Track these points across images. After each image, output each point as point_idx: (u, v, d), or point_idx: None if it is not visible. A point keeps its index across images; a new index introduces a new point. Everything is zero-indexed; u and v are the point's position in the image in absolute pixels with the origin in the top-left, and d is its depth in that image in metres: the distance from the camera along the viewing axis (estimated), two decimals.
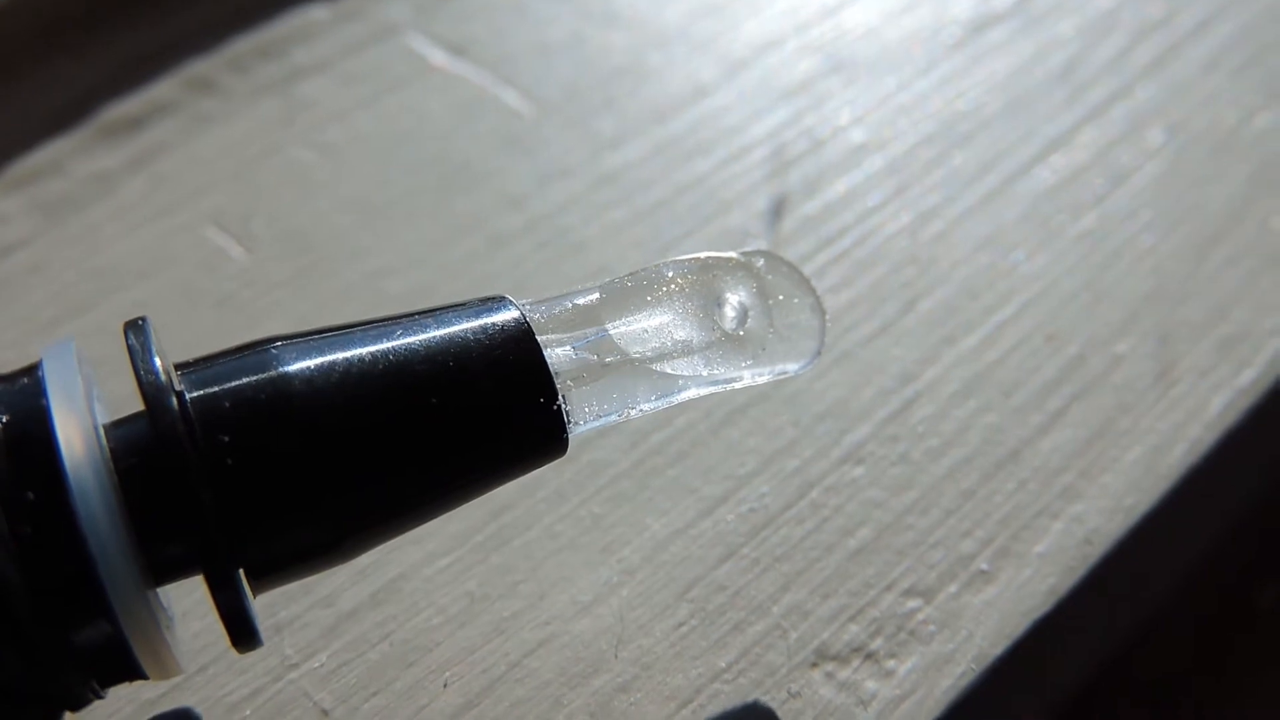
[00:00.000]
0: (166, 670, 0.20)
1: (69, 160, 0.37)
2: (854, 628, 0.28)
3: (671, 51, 0.40)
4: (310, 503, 0.20)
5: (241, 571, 0.20)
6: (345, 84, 0.39)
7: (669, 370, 0.24)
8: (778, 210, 0.35)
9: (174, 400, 0.20)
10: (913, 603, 0.28)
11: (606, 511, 0.30)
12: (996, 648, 0.28)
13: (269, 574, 0.21)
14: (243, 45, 0.40)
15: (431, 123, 0.38)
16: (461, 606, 0.28)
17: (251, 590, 0.21)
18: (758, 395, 0.31)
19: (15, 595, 0.18)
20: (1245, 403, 0.32)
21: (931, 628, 0.28)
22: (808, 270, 0.34)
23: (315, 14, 0.41)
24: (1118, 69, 0.39)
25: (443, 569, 0.29)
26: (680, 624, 0.28)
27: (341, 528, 0.21)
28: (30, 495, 0.19)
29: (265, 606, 0.28)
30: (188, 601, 0.27)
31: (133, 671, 0.20)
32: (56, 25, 0.39)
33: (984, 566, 0.29)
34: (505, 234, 0.35)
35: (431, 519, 0.23)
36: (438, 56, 0.40)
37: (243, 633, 0.20)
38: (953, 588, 0.29)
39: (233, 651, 0.24)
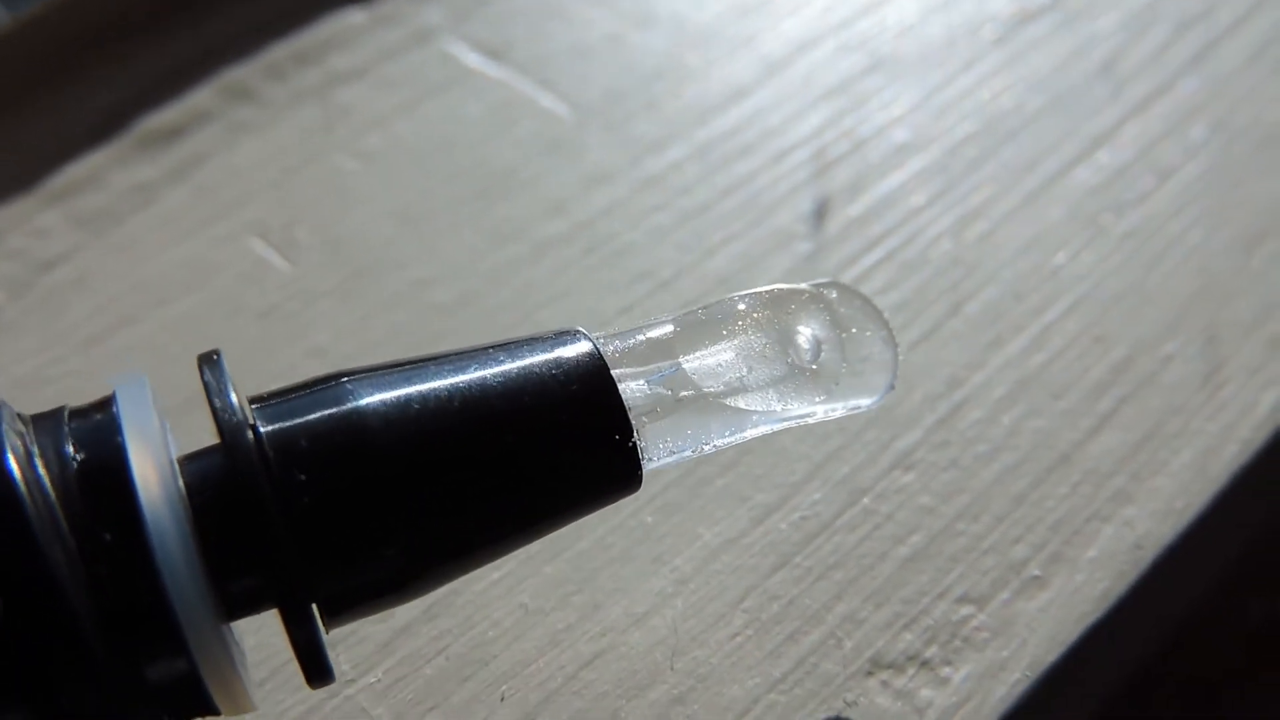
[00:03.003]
0: (239, 705, 0.20)
1: (108, 172, 0.37)
2: (908, 636, 0.28)
3: (710, 52, 0.40)
4: (384, 539, 0.20)
5: (315, 607, 0.20)
6: (383, 89, 0.39)
7: (742, 406, 0.23)
8: (821, 212, 0.35)
9: (250, 436, 0.20)
10: (966, 610, 0.28)
11: (658, 521, 0.30)
12: (1050, 654, 0.28)
13: (343, 609, 0.21)
14: (280, 51, 0.40)
15: (470, 128, 0.38)
16: (516, 619, 0.28)
17: (325, 625, 0.21)
18: None
19: (89, 630, 0.18)
20: None
21: (985, 635, 0.28)
22: (853, 273, 0.34)
23: (351, 19, 0.41)
24: (1159, 63, 0.39)
25: (496, 582, 0.29)
26: (735, 634, 0.28)
27: (415, 564, 0.21)
28: (106, 530, 0.19)
29: None
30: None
31: (205, 707, 0.20)
32: (90, 36, 0.39)
33: (1036, 572, 0.29)
34: (549, 240, 0.35)
35: (504, 555, 0.23)
36: (474, 60, 0.40)
37: (317, 669, 0.20)
38: (1005, 594, 0.29)
39: (298, 673, 0.24)
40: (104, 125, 0.38)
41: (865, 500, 0.30)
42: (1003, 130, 0.37)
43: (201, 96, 0.39)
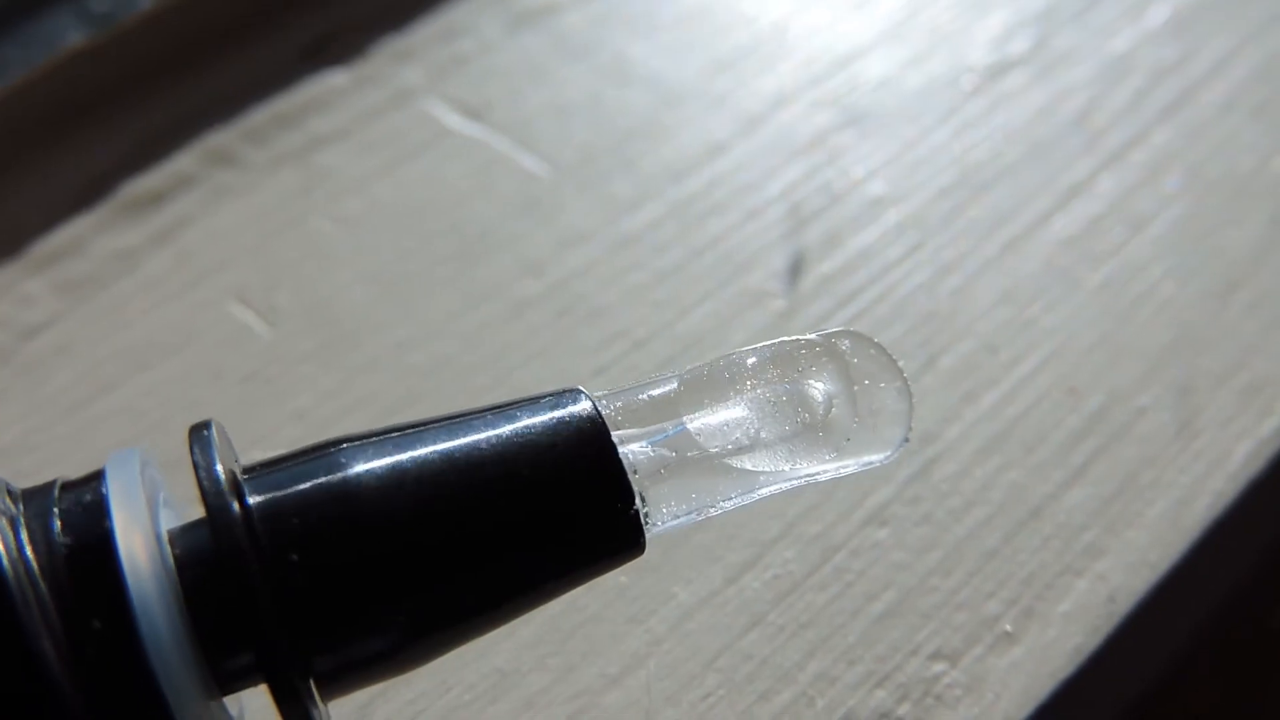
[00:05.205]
0: None
1: (91, 238, 0.37)
2: (881, 693, 0.28)
3: (686, 110, 0.40)
4: (377, 613, 0.20)
5: (310, 680, 0.20)
6: (363, 152, 0.39)
7: (749, 467, 0.23)
8: (796, 269, 0.35)
9: (237, 511, 0.20)
10: (938, 666, 0.29)
11: (632, 582, 0.30)
12: (1022, 710, 0.28)
13: (336, 683, 0.21)
14: (260, 115, 0.40)
15: (449, 189, 0.38)
16: (491, 683, 0.28)
17: (320, 698, 0.20)
18: None
19: (77, 712, 0.18)
20: (1268, 451, 0.32)
21: (957, 692, 0.28)
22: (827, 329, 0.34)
23: (333, 80, 0.41)
24: (1134, 114, 0.39)
25: (471, 646, 0.29)
26: (708, 694, 0.28)
27: (410, 637, 0.21)
28: (93, 612, 0.19)
29: None
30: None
31: None
32: (73, 104, 0.39)
33: (1008, 628, 0.29)
34: (525, 301, 0.35)
35: (502, 625, 0.22)
36: (454, 120, 0.40)
37: None
38: (978, 650, 0.29)
39: None
40: (87, 191, 0.38)
41: (838, 558, 0.30)
42: (978, 182, 0.37)
43: (183, 161, 0.39)
